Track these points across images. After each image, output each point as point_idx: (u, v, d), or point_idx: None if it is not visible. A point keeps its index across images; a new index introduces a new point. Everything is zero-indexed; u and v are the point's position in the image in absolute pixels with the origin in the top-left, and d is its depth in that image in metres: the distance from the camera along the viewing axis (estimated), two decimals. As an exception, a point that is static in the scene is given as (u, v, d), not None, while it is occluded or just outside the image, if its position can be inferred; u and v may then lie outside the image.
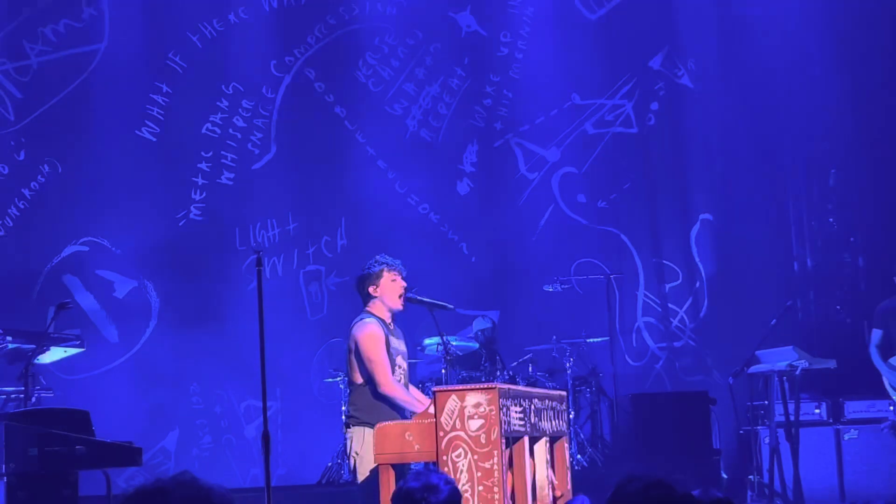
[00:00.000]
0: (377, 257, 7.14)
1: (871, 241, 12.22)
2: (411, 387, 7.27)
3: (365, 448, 6.68)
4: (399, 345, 7.09)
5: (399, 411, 6.82)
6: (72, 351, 9.60)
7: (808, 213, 12.50)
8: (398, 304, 7.08)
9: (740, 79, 12.42)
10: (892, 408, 10.47)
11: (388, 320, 7.08)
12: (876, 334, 10.16)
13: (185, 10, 12.08)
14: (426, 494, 4.25)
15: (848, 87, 12.13)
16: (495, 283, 12.35)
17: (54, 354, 9.53)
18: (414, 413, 6.62)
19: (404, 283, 7.09)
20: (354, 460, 6.80)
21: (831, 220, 12.34)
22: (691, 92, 12.62)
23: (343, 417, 10.28)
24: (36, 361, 8.98)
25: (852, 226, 12.29)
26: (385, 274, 7.04)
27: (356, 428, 6.82)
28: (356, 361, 6.93)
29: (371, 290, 7.05)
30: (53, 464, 6.69)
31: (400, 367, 7.05)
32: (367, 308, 7.07)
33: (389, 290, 7.04)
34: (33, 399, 8.70)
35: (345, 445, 7.08)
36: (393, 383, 6.81)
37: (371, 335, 6.86)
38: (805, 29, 12.30)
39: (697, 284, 12.51)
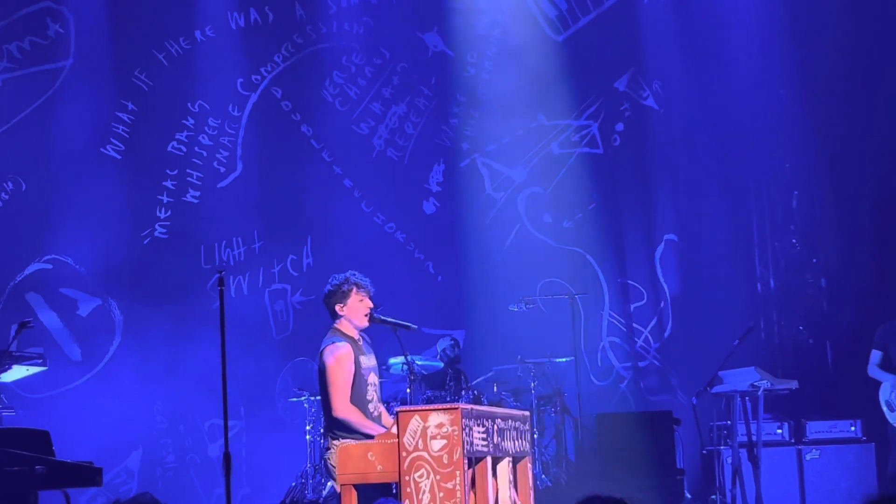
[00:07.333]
0: (347, 275, 7.10)
1: (834, 262, 12.29)
2: (381, 408, 7.22)
3: None
4: (369, 361, 7.07)
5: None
6: (34, 369, 9.51)
7: (771, 235, 12.58)
8: (364, 323, 7.09)
9: (705, 101, 12.50)
10: (853, 428, 10.52)
11: (357, 337, 7.08)
12: (875, 355, 10.11)
13: (151, 28, 12.05)
14: None
15: (810, 110, 12.23)
16: (461, 302, 12.36)
17: (16, 373, 9.43)
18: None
19: (371, 304, 7.08)
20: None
21: (794, 241, 12.43)
22: (656, 113, 12.70)
23: (315, 432, 10.31)
24: (-3, 380, 8.91)
25: (815, 247, 12.37)
26: (353, 294, 7.04)
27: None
28: (320, 383, 6.93)
29: (338, 308, 7.04)
30: (13, 484, 6.62)
31: (373, 384, 7.03)
32: (336, 326, 7.05)
33: (356, 311, 7.04)
34: (-6, 418, 8.63)
35: (325, 461, 6.89)
36: (348, 408, 6.79)
37: (339, 360, 6.85)
38: (769, 52, 12.40)
39: (662, 304, 12.57)
